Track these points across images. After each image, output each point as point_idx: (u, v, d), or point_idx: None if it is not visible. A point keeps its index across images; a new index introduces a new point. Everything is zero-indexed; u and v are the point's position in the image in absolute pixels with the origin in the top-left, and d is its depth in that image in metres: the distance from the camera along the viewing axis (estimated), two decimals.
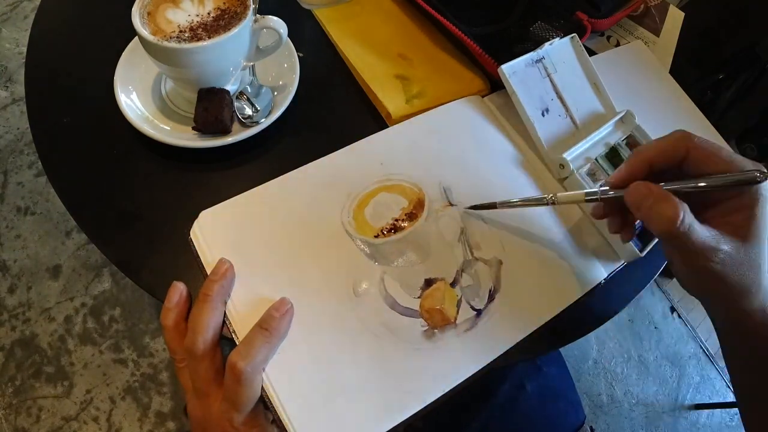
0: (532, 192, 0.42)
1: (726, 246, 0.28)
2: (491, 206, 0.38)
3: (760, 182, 0.28)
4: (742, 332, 0.32)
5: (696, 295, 0.34)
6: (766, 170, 0.28)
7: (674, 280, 1.41)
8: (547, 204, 0.36)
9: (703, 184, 0.29)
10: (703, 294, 0.32)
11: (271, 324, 0.30)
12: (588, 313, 0.40)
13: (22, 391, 0.93)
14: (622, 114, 0.45)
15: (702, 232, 0.28)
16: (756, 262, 0.29)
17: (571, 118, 0.45)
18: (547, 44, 0.44)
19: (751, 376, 0.34)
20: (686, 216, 0.27)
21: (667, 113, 0.52)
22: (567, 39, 0.46)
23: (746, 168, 0.28)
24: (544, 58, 0.45)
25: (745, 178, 0.28)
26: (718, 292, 0.30)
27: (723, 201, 0.30)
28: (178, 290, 0.32)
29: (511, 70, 0.43)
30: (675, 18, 0.60)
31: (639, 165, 0.31)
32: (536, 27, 0.49)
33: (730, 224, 0.29)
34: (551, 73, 0.45)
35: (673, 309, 1.38)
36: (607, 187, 0.33)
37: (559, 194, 0.36)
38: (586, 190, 0.34)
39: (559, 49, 0.46)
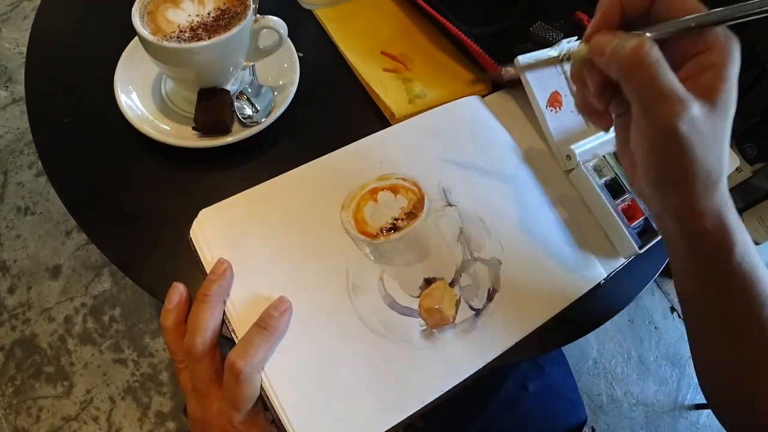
0: (531, 190, 0.42)
1: (695, 105, 0.24)
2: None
3: (726, 22, 0.25)
4: (691, 238, 0.29)
5: (652, 184, 0.29)
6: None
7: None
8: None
9: (662, 29, 0.26)
10: (661, 178, 0.28)
11: (270, 323, 0.30)
12: (588, 313, 0.40)
13: (22, 391, 0.93)
14: None
15: (671, 76, 0.24)
16: (720, 136, 0.26)
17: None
18: (564, 41, 0.45)
19: (696, 285, 0.32)
20: (653, 48, 0.24)
21: None
22: None
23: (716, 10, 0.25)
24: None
25: (713, 19, 0.25)
26: (678, 172, 0.26)
27: (692, 58, 0.26)
28: (178, 291, 0.32)
29: (526, 61, 0.43)
30: None
31: (610, 7, 0.27)
32: (536, 27, 0.49)
33: (699, 85, 0.25)
34: (567, 71, 0.45)
35: (673, 309, 1.38)
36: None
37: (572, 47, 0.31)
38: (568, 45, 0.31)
39: None
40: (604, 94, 0.29)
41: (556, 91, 0.45)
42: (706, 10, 0.25)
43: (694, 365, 0.35)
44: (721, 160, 0.26)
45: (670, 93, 0.24)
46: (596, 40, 0.27)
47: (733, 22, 0.25)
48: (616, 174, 0.43)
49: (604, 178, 0.43)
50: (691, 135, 0.24)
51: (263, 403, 0.30)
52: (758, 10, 0.24)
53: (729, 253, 0.28)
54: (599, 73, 0.28)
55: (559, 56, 0.31)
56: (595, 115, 0.31)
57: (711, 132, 0.25)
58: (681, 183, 0.27)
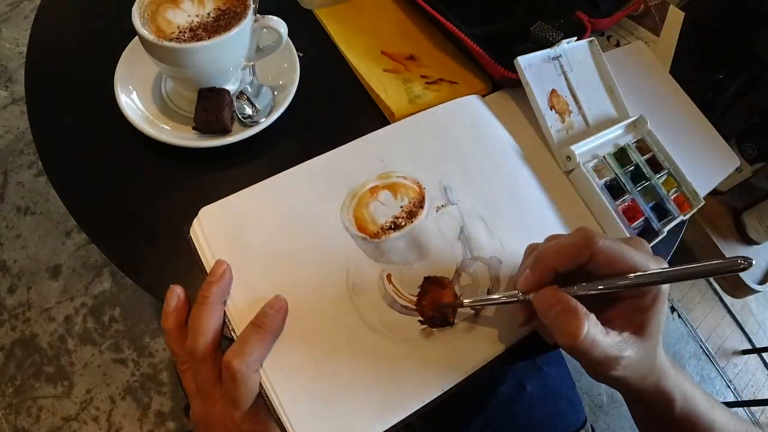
0: (531, 190, 0.42)
1: (629, 351, 0.29)
2: (458, 305, 0.34)
3: (660, 283, 0.29)
4: (641, 404, 0.34)
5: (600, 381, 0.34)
6: (666, 266, 0.28)
7: None
8: (517, 300, 0.32)
9: (602, 287, 0.29)
10: (606, 383, 0.33)
11: (265, 321, 0.30)
12: None
13: (22, 391, 0.93)
14: (635, 118, 0.46)
15: (605, 344, 0.28)
16: (652, 354, 0.30)
17: (583, 116, 0.46)
18: (564, 42, 0.45)
19: (644, 426, 0.37)
20: (590, 330, 0.27)
21: (667, 113, 0.52)
22: (585, 42, 0.47)
23: (649, 268, 0.29)
24: (561, 56, 0.45)
25: (648, 281, 0.28)
26: (619, 383, 0.31)
27: (627, 299, 0.30)
28: (175, 294, 0.32)
29: (526, 62, 0.43)
30: (675, 18, 0.60)
31: (544, 272, 0.30)
32: (536, 27, 0.49)
33: (632, 324, 0.30)
34: (567, 71, 0.46)
35: (673, 309, 1.38)
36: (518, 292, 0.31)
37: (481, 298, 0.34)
38: (502, 294, 0.32)
39: (577, 50, 0.47)
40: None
41: (556, 91, 0.45)
42: (641, 262, 0.29)
43: None
44: (653, 363, 0.31)
45: (603, 359, 0.28)
46: (540, 301, 0.30)
47: (668, 283, 0.29)
48: (616, 174, 0.43)
49: (604, 179, 0.43)
50: (625, 371, 0.29)
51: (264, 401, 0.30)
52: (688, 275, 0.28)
53: (669, 407, 0.33)
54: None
55: (516, 296, 0.32)
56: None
57: (643, 356, 0.30)
58: (621, 386, 0.32)
